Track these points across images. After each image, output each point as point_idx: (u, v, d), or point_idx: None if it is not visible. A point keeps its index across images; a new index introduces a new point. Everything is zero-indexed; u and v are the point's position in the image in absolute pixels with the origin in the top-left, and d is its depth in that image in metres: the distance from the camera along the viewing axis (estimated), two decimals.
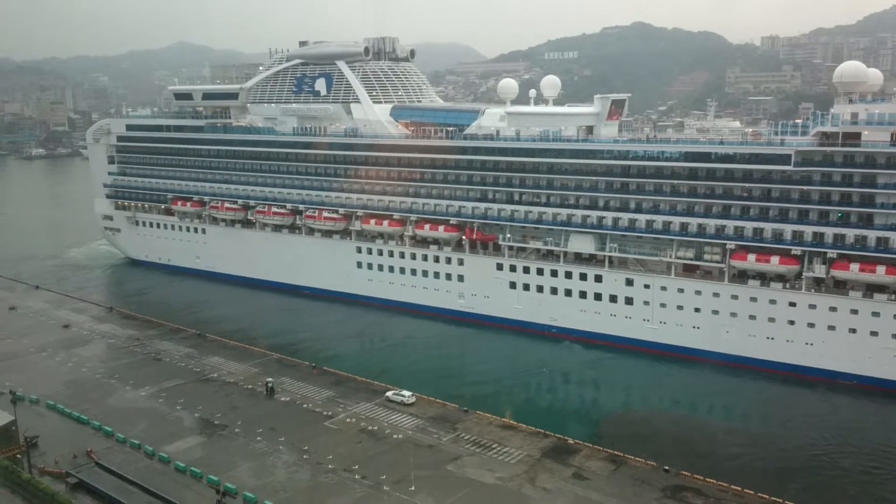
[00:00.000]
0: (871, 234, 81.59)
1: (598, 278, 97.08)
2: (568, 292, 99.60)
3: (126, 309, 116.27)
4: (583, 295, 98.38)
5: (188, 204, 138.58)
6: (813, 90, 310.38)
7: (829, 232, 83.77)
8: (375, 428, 71.61)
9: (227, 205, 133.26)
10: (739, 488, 59.40)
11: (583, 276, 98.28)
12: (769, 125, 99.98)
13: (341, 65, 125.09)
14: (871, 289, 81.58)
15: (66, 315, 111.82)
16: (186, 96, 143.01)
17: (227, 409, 77.03)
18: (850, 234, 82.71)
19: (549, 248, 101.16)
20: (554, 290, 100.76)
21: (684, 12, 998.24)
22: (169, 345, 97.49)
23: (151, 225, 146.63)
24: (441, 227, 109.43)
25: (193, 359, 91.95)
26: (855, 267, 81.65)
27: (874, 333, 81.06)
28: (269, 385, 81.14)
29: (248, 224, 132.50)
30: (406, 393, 77.85)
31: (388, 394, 78.52)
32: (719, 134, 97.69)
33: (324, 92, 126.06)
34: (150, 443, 68.77)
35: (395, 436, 69.95)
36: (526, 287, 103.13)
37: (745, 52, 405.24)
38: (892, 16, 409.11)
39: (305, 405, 77.39)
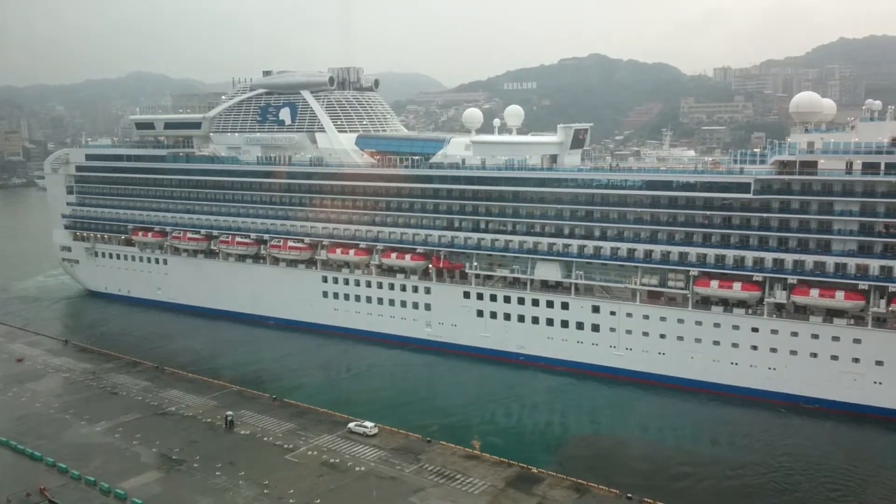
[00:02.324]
0: (830, 260, 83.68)
1: (565, 305, 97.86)
2: (535, 320, 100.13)
3: (82, 342, 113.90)
4: (550, 322, 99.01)
5: (149, 234, 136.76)
6: (765, 120, 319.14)
7: (789, 258, 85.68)
8: (337, 460, 70.84)
9: (189, 235, 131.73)
10: None
11: (549, 304, 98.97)
12: (724, 154, 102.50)
13: (306, 94, 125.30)
14: (830, 314, 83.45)
15: (19, 349, 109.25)
16: (148, 126, 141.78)
17: (186, 443, 75.63)
18: (810, 260, 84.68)
19: (516, 275, 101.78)
20: (521, 318, 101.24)
21: (639, 45, 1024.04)
22: (126, 378, 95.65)
23: (111, 256, 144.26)
24: (408, 256, 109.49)
25: (151, 392, 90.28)
26: (815, 292, 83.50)
27: (834, 357, 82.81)
28: (229, 418, 79.89)
29: (211, 254, 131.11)
30: (368, 424, 77.25)
31: (351, 425, 77.81)
32: (679, 162, 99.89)
33: (288, 121, 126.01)
34: (107, 479, 67.22)
35: (357, 468, 69.32)
36: (493, 315, 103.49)
37: (699, 82, 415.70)
38: (839, 48, 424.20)
39: (266, 438, 76.31)
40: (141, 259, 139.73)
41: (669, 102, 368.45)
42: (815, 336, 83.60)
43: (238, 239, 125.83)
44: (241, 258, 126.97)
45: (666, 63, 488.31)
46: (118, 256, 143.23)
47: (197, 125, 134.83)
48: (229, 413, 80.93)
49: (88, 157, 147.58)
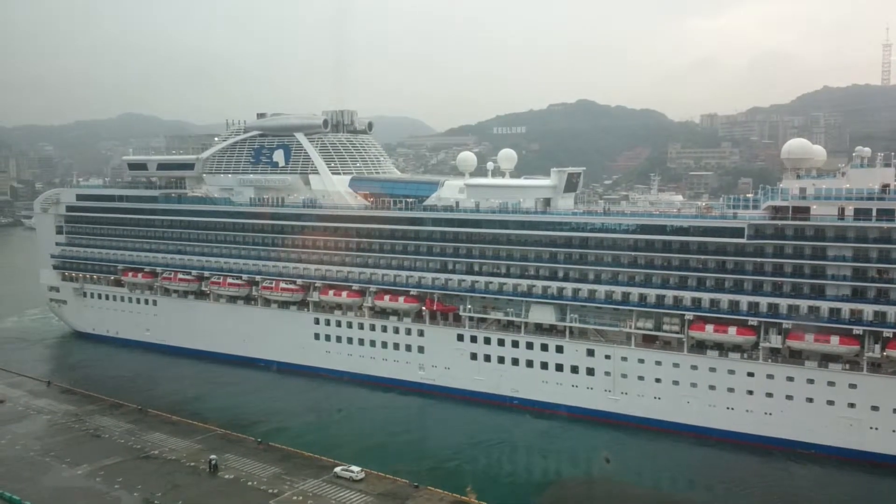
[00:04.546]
0: (824, 305, 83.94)
1: (559, 349, 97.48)
2: (529, 363, 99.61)
3: (65, 383, 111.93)
4: (544, 366, 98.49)
5: (139, 275, 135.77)
6: (752, 166, 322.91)
7: (784, 303, 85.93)
8: None
9: (180, 276, 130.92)
10: None
11: (544, 347, 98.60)
12: (712, 198, 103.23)
13: (300, 136, 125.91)
14: (826, 358, 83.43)
15: (0, 390, 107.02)
16: (141, 166, 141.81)
17: (169, 487, 73.93)
18: (804, 304, 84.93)
19: (510, 318, 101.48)
20: (515, 361, 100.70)
21: (627, 91, 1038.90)
22: (109, 420, 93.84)
23: (100, 296, 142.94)
24: (401, 298, 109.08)
25: (134, 435, 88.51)
26: (810, 337, 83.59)
27: (830, 402, 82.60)
28: (213, 462, 78.37)
29: (201, 295, 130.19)
30: (355, 468, 75.95)
31: (337, 469, 76.45)
32: (671, 207, 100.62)
33: (282, 163, 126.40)
34: None
35: None
36: (487, 358, 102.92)
37: (686, 128, 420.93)
38: (824, 96, 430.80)
39: (250, 483, 74.71)
40: (130, 300, 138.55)
41: (657, 148, 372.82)
42: (811, 381, 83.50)
43: (229, 280, 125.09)
44: (233, 299, 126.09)
45: (653, 109, 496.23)
46: (107, 297, 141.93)
47: (190, 166, 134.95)
48: (213, 457, 79.40)
49: (79, 198, 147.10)
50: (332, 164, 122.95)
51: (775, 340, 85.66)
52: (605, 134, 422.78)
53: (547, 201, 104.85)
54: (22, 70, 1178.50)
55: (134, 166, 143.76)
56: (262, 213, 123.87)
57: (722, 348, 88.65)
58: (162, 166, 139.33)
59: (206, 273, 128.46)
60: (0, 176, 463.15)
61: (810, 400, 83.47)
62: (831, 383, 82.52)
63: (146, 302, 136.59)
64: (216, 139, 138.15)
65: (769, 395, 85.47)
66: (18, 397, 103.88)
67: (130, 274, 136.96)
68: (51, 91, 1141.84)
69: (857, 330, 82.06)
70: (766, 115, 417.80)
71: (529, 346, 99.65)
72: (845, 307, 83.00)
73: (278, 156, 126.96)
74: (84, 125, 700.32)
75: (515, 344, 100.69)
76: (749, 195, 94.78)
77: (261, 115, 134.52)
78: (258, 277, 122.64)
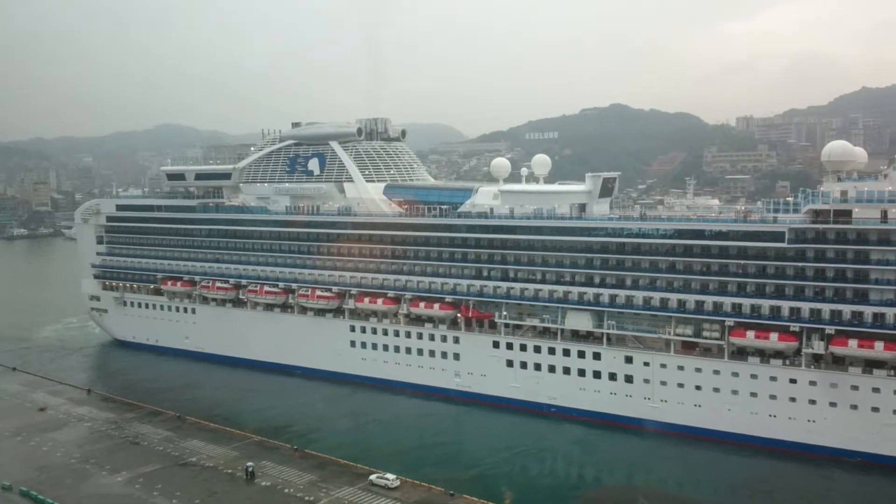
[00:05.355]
0: (868, 310, 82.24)
1: (597, 356, 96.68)
2: (566, 370, 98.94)
3: (105, 391, 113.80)
4: (581, 373, 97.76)
5: (178, 283, 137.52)
6: (789, 169, 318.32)
7: (826, 308, 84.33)
8: None
9: (218, 284, 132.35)
10: None
11: (581, 354, 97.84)
12: (749, 202, 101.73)
13: (334, 145, 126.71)
14: (870, 364, 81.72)
15: (42, 398, 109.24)
16: (179, 176, 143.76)
17: (206, 494, 74.80)
18: (847, 309, 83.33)
19: (546, 325, 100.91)
20: (552, 368, 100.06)
21: (661, 95, 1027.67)
22: (147, 428, 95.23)
23: (139, 305, 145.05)
24: (436, 305, 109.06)
25: (172, 442, 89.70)
26: (853, 343, 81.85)
27: (875, 409, 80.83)
28: (250, 469, 79.11)
29: (239, 303, 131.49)
30: (390, 476, 76.04)
31: (372, 477, 76.62)
32: (709, 211, 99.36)
33: (317, 171, 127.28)
34: None
35: None
36: (523, 365, 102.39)
37: (722, 132, 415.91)
38: (862, 97, 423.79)
39: (286, 490, 75.29)
40: (169, 308, 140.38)
41: (692, 151, 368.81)
42: (855, 387, 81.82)
43: (266, 288, 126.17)
44: (269, 307, 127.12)
45: (688, 112, 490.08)
46: (147, 306, 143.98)
47: (227, 176, 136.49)
48: (250, 464, 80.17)
49: (119, 208, 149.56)
50: (367, 172, 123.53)
51: (818, 346, 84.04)
52: (638, 138, 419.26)
53: (582, 207, 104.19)
54: (61, 83, 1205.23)
55: (172, 176, 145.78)
56: (297, 222, 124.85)
57: (763, 355, 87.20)
58: (200, 176, 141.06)
59: (244, 281, 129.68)
60: (41, 187, 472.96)
61: (854, 407, 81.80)
62: (876, 389, 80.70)
63: (185, 310, 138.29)
64: (252, 148, 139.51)
65: (812, 402, 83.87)
66: (59, 405, 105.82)
67: (169, 283, 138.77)
68: (90, 103, 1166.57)
69: None
70: (804, 117, 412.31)
71: (566, 352, 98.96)
72: (889, 312, 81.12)
73: (313, 164, 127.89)
74: (122, 136, 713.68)
75: (552, 351, 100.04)
76: (789, 198, 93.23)
77: (296, 125, 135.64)
78: (294, 285, 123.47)
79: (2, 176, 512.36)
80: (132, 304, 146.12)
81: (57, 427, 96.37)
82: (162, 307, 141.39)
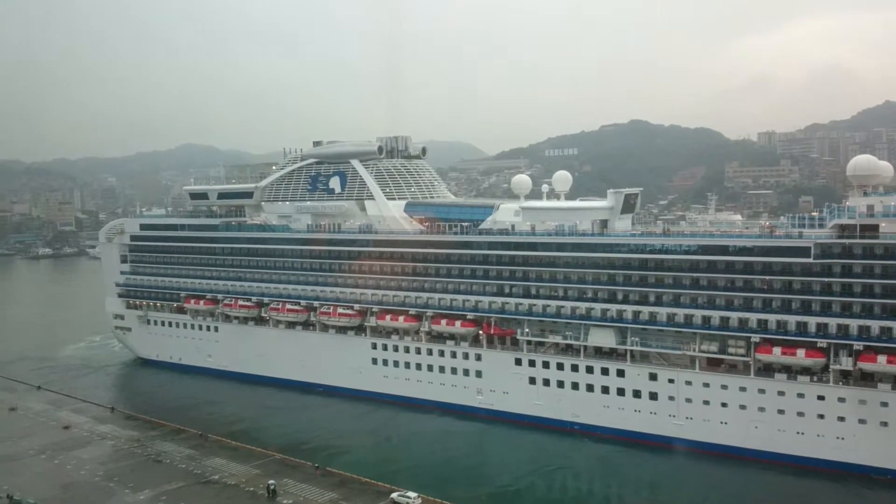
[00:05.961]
0: None
1: (621, 373, 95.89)
2: (590, 387, 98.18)
3: (128, 409, 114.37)
4: (605, 390, 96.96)
5: (201, 302, 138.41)
6: (812, 183, 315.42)
7: (854, 324, 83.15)
8: None
9: (240, 302, 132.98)
10: None
11: (604, 371, 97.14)
12: (772, 217, 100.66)
13: (355, 163, 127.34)
14: None
15: (66, 416, 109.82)
16: (202, 196, 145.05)
17: None
18: (875, 325, 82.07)
19: (569, 342, 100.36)
20: (575, 386, 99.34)
21: (681, 110, 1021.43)
22: (170, 446, 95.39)
23: (163, 323, 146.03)
24: (458, 323, 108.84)
25: (195, 460, 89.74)
26: (882, 359, 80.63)
27: None
28: (271, 487, 78.99)
29: (261, 321, 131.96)
30: (412, 494, 75.55)
31: (394, 495, 76.10)
32: (732, 227, 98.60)
33: (338, 189, 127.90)
34: None
35: None
36: (546, 382, 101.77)
37: (743, 147, 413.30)
38: (886, 111, 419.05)
39: None
40: (192, 326, 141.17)
41: (713, 167, 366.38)
42: (885, 404, 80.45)
43: (288, 306, 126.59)
44: (291, 325, 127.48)
45: (708, 128, 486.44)
46: (170, 324, 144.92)
47: (249, 195, 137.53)
48: (272, 482, 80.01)
49: (143, 227, 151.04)
50: (388, 190, 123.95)
51: (846, 362, 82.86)
52: (659, 154, 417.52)
53: (604, 223, 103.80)
54: (84, 104, 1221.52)
55: (195, 196, 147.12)
56: (319, 240, 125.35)
57: (790, 371, 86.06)
58: (222, 195, 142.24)
59: (266, 299, 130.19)
60: (65, 207, 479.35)
61: (885, 424, 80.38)
62: None
63: (208, 328, 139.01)
64: (274, 167, 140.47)
65: (841, 419, 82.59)
66: (83, 423, 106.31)
67: (192, 301, 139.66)
68: (112, 124, 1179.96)
69: None
70: (826, 131, 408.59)
71: (589, 370, 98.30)
72: None
73: (334, 182, 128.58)
74: (145, 156, 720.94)
75: (575, 368, 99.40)
76: (814, 213, 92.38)
77: (317, 143, 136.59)
78: (316, 303, 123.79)
79: (27, 196, 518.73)
80: (155, 322, 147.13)
81: (81, 445, 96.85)
82: (185, 325, 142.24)
